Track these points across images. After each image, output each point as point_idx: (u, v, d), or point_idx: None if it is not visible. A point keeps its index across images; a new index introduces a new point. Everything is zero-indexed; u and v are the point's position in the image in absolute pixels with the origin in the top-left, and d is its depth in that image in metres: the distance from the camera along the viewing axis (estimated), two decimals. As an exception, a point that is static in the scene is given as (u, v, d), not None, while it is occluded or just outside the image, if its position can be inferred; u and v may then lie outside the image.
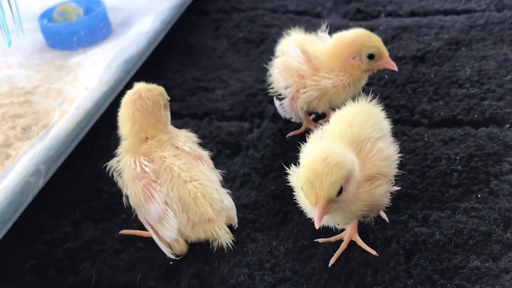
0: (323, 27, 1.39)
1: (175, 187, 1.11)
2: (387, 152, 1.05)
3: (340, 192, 0.94)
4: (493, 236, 1.10)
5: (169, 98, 1.21)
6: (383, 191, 1.03)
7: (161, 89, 1.20)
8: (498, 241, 1.09)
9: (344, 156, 0.96)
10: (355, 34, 1.28)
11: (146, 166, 1.12)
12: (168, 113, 1.21)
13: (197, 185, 1.11)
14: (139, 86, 1.19)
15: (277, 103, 1.38)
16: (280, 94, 1.37)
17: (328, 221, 1.04)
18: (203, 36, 1.83)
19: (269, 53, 1.66)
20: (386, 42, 1.60)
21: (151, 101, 1.16)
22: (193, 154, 1.17)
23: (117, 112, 1.45)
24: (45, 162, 1.23)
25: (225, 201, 1.14)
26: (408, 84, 1.48)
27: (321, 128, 1.10)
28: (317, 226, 0.93)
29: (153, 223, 1.13)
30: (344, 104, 1.33)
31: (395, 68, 1.29)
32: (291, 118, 1.38)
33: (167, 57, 1.74)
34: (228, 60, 1.70)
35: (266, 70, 1.46)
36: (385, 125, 1.12)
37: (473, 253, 1.08)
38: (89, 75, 1.55)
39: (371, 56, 1.26)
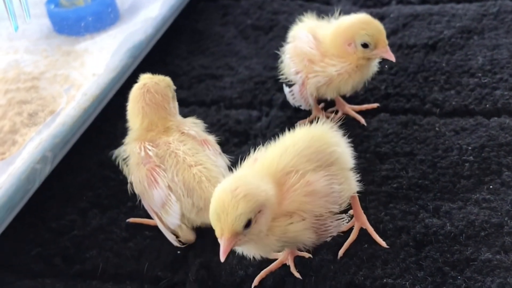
0: (336, 14, 1.37)
1: (180, 171, 1.10)
2: (315, 187, 0.95)
3: (248, 224, 0.88)
4: (505, 228, 1.08)
5: (175, 87, 1.21)
6: (299, 228, 0.94)
7: (168, 80, 1.19)
8: (510, 233, 1.07)
9: (256, 187, 0.89)
10: (352, 21, 1.25)
11: (150, 150, 1.11)
12: (176, 104, 1.21)
13: (202, 169, 1.10)
14: (146, 78, 1.18)
15: (286, 90, 1.36)
16: (290, 81, 1.36)
17: (246, 252, 0.98)
18: (211, 23, 1.81)
19: (278, 40, 1.64)
20: (397, 30, 1.60)
21: (160, 95, 1.16)
22: (199, 139, 1.16)
23: (124, 98, 1.44)
24: (51, 149, 1.22)
25: None
26: (420, 73, 1.46)
27: (255, 152, 1.01)
28: (222, 259, 0.88)
29: (157, 210, 1.12)
30: (356, 89, 1.33)
31: (393, 58, 1.24)
32: (300, 106, 1.36)
33: (175, 43, 1.72)
34: (237, 47, 1.68)
35: (275, 57, 1.44)
36: (334, 154, 1.01)
37: (485, 245, 1.06)
38: (96, 61, 1.54)
39: (365, 45, 1.23)
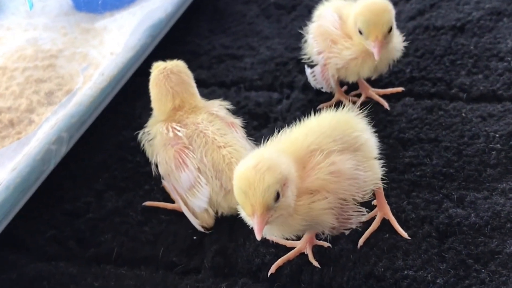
0: None
1: (208, 152, 1.08)
2: (340, 167, 0.92)
3: (277, 198, 0.85)
4: (532, 220, 1.04)
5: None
6: (322, 206, 0.91)
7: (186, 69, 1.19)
8: (537, 226, 1.03)
9: (277, 160, 0.87)
10: (363, 3, 1.19)
11: (179, 131, 1.10)
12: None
13: (231, 150, 1.08)
14: (161, 64, 1.18)
15: (308, 71, 1.33)
16: (312, 62, 1.32)
17: (270, 234, 0.95)
18: (233, 1, 1.77)
19: (301, 20, 1.60)
20: (424, 11, 1.56)
21: (184, 73, 1.16)
22: (227, 121, 1.14)
23: (143, 78, 1.41)
24: (67, 129, 1.20)
25: None
26: (446, 56, 1.41)
27: (280, 133, 0.98)
28: (258, 238, 0.85)
29: (182, 192, 1.10)
30: (380, 73, 1.28)
31: (377, 56, 1.16)
32: (322, 88, 1.33)
33: (195, 22, 1.69)
34: (258, 27, 1.64)
35: (297, 37, 1.41)
36: (359, 139, 0.98)
37: (511, 238, 1.02)
38: (115, 39, 1.51)
39: (360, 32, 1.18)
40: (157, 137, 1.13)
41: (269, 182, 0.84)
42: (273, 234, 0.95)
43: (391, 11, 1.18)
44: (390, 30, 1.17)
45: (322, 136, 0.95)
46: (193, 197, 1.08)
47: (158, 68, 1.17)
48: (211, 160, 1.07)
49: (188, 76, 1.17)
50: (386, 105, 1.31)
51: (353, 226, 0.97)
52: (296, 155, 0.93)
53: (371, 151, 1.00)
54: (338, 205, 0.92)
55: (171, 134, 1.10)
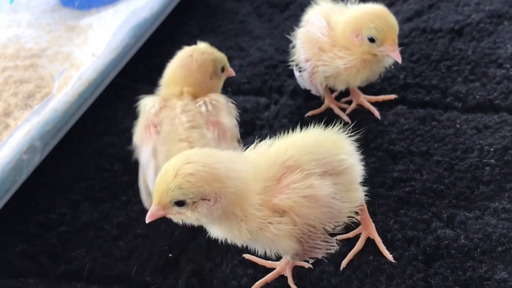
0: None
1: (167, 141, 1.03)
2: (317, 192, 0.86)
3: (181, 204, 0.81)
4: (525, 244, 0.99)
5: (228, 68, 1.15)
6: (288, 230, 0.85)
7: (217, 56, 1.12)
8: (530, 250, 0.98)
9: (216, 173, 0.80)
10: (364, 11, 1.14)
11: (152, 107, 1.07)
12: (219, 82, 1.14)
13: (188, 147, 1.02)
14: (201, 45, 1.13)
15: (297, 73, 1.27)
16: (301, 67, 1.26)
17: (212, 232, 0.90)
18: (225, -2, 1.71)
19: (294, 20, 1.54)
20: (421, 12, 1.49)
21: (197, 63, 1.10)
22: (210, 119, 1.07)
23: (126, 80, 1.36)
24: (41, 137, 1.15)
25: None
26: (443, 61, 1.35)
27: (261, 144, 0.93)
28: (146, 221, 0.84)
29: (143, 166, 1.06)
30: (369, 82, 1.23)
31: (399, 59, 1.12)
32: (311, 90, 1.27)
33: (185, 20, 1.63)
34: (250, 26, 1.58)
35: (288, 39, 1.34)
36: (344, 162, 0.91)
37: (501, 262, 0.97)
38: (99, 39, 1.45)
39: (371, 39, 1.12)
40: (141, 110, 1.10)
41: (174, 187, 0.79)
42: (215, 234, 0.89)
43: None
44: None
45: (304, 153, 0.89)
46: (145, 176, 1.04)
47: (195, 46, 1.13)
48: (166, 149, 1.02)
49: (200, 67, 1.10)
50: (377, 113, 1.25)
51: (319, 256, 0.91)
52: (271, 168, 0.87)
53: (354, 177, 0.94)
54: (306, 231, 0.86)
55: (149, 108, 1.07)
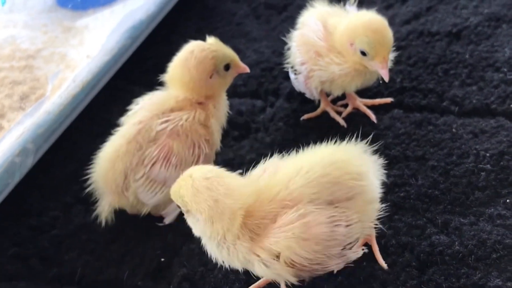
0: (352, 0, 1.26)
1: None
2: (313, 231, 0.83)
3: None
4: (519, 251, 0.98)
5: (238, 65, 1.12)
6: (277, 270, 0.85)
7: (219, 53, 1.09)
8: (524, 257, 0.97)
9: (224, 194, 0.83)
10: (361, 21, 1.12)
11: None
12: (222, 81, 1.11)
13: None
14: (209, 40, 1.12)
15: (292, 76, 1.27)
16: (296, 70, 1.25)
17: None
18: (223, -1, 1.70)
19: (291, 22, 1.53)
20: (419, 14, 1.48)
21: (196, 61, 1.07)
22: (168, 130, 1.05)
23: (122, 82, 1.36)
24: (34, 140, 1.14)
25: None
26: (440, 65, 1.34)
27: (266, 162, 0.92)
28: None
29: None
30: (366, 87, 1.22)
31: (386, 78, 1.10)
32: (305, 94, 1.27)
33: (182, 21, 1.62)
34: (247, 27, 1.57)
35: (285, 41, 1.34)
36: (355, 189, 0.88)
37: (496, 269, 0.96)
38: (94, 40, 1.44)
39: (363, 53, 1.10)
40: None
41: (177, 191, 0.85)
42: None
43: (387, 25, 1.11)
44: None
45: (308, 186, 0.86)
46: None
47: (197, 42, 1.11)
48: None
49: (198, 66, 1.07)
50: (373, 117, 1.24)
51: (336, 268, 0.91)
52: (270, 204, 0.86)
53: (368, 199, 0.90)
54: (305, 266, 0.85)
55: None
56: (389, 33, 1.10)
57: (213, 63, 1.07)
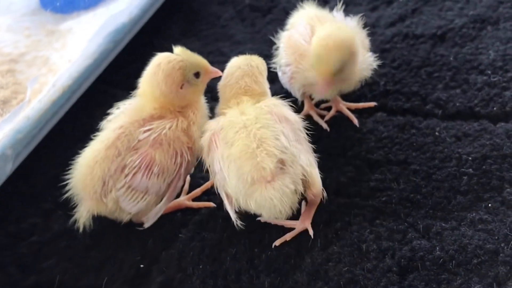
0: (339, 5, 1.25)
1: None
2: None
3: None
4: (500, 256, 0.97)
5: (208, 71, 1.11)
6: None
7: (187, 63, 1.06)
8: (505, 262, 0.96)
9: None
10: (324, 32, 1.10)
11: None
12: (195, 89, 1.09)
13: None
14: (176, 50, 1.09)
15: (279, 73, 1.26)
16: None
17: None
18: (208, 1, 1.68)
19: (276, 24, 1.53)
20: (405, 17, 1.49)
21: (163, 74, 1.05)
22: (151, 140, 1.04)
23: (105, 86, 1.34)
24: (12, 146, 1.13)
25: None
26: (424, 68, 1.34)
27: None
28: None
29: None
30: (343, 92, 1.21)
31: (320, 95, 1.18)
32: (292, 93, 1.26)
33: (167, 24, 1.61)
34: (232, 30, 1.57)
35: (270, 44, 1.33)
36: None
37: (476, 275, 0.96)
38: (77, 44, 1.43)
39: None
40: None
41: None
42: None
43: (349, 47, 1.07)
44: (347, 66, 1.08)
45: None
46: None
47: (164, 54, 1.08)
48: None
49: (166, 78, 1.05)
50: (355, 121, 1.23)
51: None
52: None
53: None
54: None
55: None
56: (338, 54, 1.06)
57: (181, 73, 1.05)
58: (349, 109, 1.27)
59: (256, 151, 0.95)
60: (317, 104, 1.30)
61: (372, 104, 1.27)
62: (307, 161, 0.99)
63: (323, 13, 1.24)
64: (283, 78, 1.24)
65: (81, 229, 1.06)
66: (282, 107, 1.04)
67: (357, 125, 1.22)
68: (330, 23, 1.17)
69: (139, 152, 1.02)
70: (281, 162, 0.96)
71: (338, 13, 1.25)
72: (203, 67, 1.10)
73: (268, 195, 0.94)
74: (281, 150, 0.96)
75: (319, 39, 1.08)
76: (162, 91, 1.05)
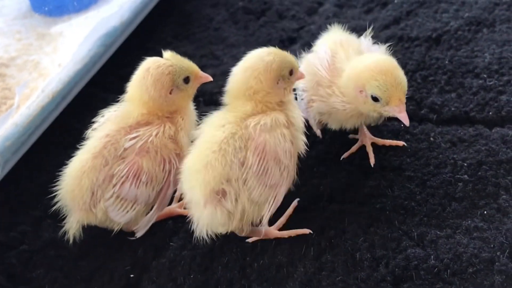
0: (368, 31, 1.20)
1: None
2: None
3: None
4: (496, 265, 0.95)
5: (198, 76, 1.09)
6: None
7: (176, 68, 1.04)
8: (501, 271, 0.95)
9: None
10: (366, 64, 1.03)
11: None
12: (184, 95, 1.07)
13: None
14: (165, 55, 1.07)
15: (298, 98, 1.17)
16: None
17: None
18: (201, 4, 1.67)
19: (269, 27, 1.52)
20: (399, 19, 1.47)
21: (152, 79, 1.03)
22: (137, 148, 1.02)
23: (96, 89, 1.33)
24: (1, 153, 1.11)
25: None
26: (419, 71, 1.32)
27: None
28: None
29: None
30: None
31: (407, 122, 1.01)
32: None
33: (160, 27, 1.59)
34: (225, 33, 1.55)
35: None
36: None
37: (471, 284, 0.94)
38: (68, 48, 1.41)
39: (375, 99, 1.01)
40: None
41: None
42: None
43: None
44: None
45: None
46: None
47: (153, 58, 1.06)
48: None
49: (155, 83, 1.04)
50: (372, 161, 1.15)
51: None
52: None
53: None
54: None
55: None
56: (400, 72, 1.01)
57: (170, 78, 1.03)
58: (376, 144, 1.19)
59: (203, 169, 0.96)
60: (345, 133, 1.23)
61: (401, 143, 1.18)
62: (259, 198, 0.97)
63: (350, 38, 1.18)
64: (301, 104, 1.16)
65: (71, 241, 1.04)
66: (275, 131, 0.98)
67: (372, 165, 1.15)
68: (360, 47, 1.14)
69: (126, 161, 1.00)
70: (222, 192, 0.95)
71: (365, 39, 1.18)
72: (193, 72, 1.08)
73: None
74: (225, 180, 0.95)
75: (373, 69, 1.01)
76: (151, 96, 1.03)
